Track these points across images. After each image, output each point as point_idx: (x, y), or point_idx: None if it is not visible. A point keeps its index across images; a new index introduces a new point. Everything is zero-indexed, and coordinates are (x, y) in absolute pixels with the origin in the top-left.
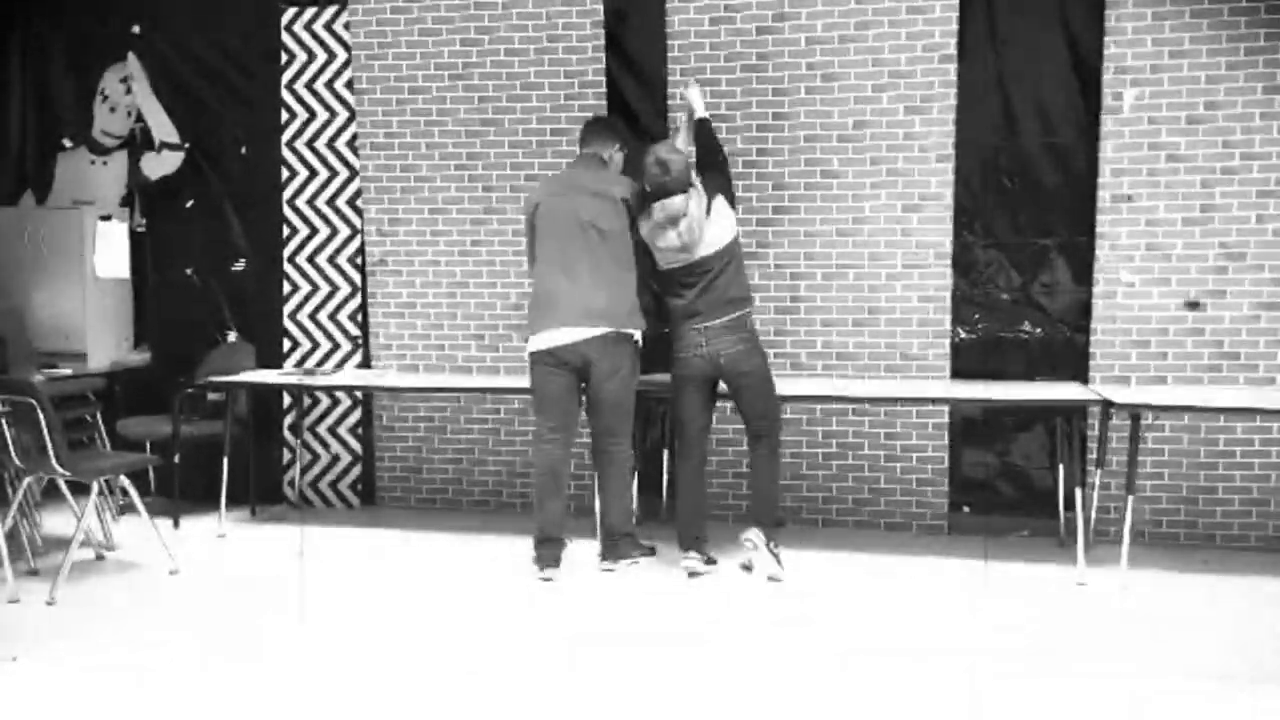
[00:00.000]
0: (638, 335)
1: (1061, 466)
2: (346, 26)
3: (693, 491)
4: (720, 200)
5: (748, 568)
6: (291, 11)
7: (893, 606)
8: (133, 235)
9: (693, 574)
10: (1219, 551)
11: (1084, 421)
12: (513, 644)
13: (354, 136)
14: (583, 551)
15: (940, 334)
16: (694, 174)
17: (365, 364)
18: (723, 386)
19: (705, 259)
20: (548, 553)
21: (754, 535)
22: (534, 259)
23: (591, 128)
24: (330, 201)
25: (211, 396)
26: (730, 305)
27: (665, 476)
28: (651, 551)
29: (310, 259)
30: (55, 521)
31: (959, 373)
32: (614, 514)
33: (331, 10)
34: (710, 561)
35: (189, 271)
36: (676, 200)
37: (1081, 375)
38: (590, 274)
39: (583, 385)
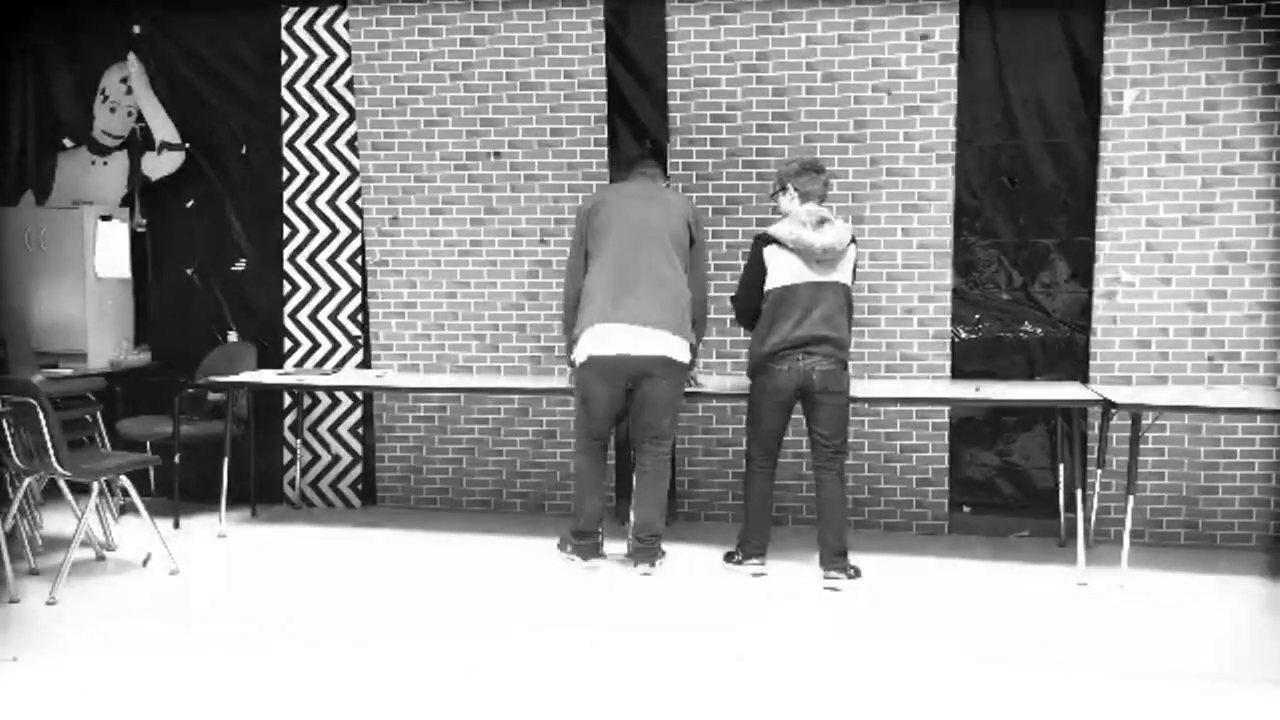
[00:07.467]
0: (689, 352)
1: (1062, 467)
2: (346, 26)
3: (768, 503)
4: (855, 254)
5: (834, 590)
6: (291, 11)
7: (892, 607)
8: (133, 235)
9: (756, 575)
10: (1219, 551)
11: (1084, 421)
12: (514, 644)
13: (354, 136)
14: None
15: (940, 334)
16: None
17: (365, 364)
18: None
19: (838, 284)
20: (591, 545)
21: (835, 582)
22: (589, 259)
23: (647, 159)
24: (330, 201)
25: (211, 396)
26: (842, 349)
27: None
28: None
29: (310, 259)
30: (55, 521)
31: (959, 373)
32: (651, 515)
33: (331, 10)
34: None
35: (189, 271)
36: (822, 209)
37: (1081, 375)
38: (655, 277)
39: (628, 390)
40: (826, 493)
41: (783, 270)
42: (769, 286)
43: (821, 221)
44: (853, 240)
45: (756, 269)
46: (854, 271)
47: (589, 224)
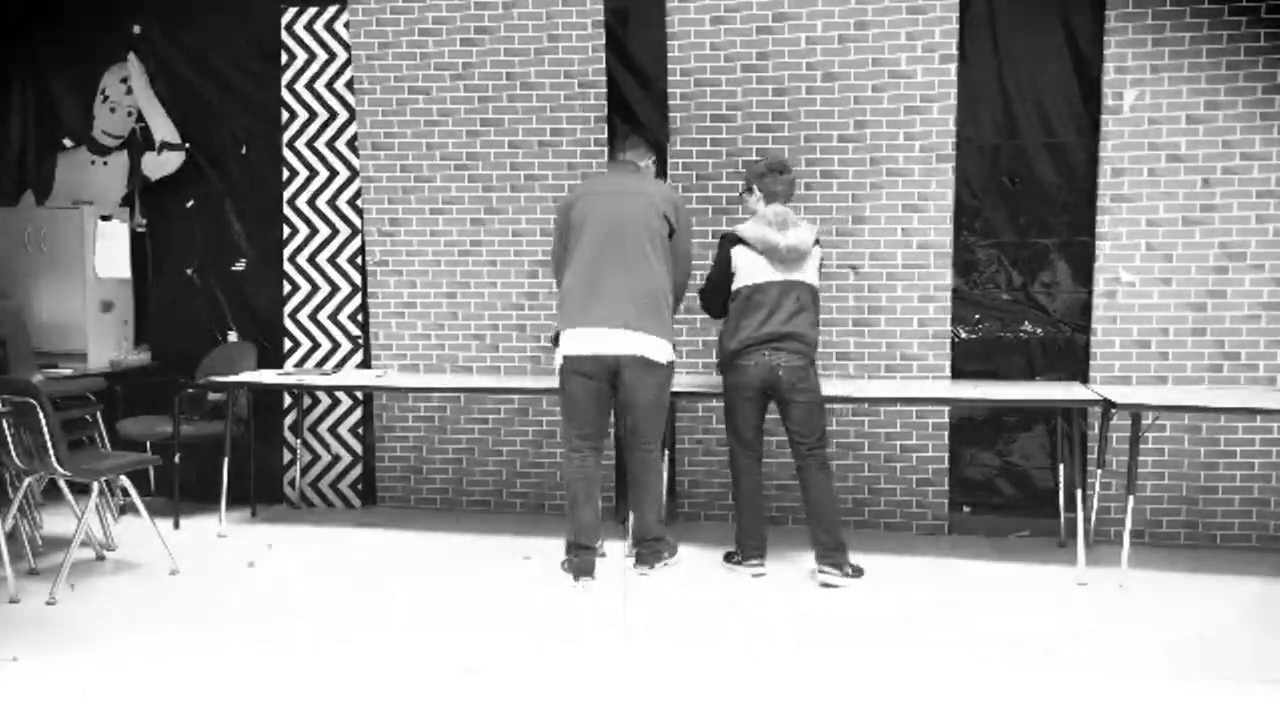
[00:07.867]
0: (670, 351)
1: (1062, 467)
2: (346, 26)
3: (758, 501)
4: (820, 255)
5: (831, 586)
6: (291, 11)
7: (893, 607)
8: (133, 235)
9: (756, 575)
10: (1219, 551)
11: (1084, 421)
12: (515, 644)
13: (354, 136)
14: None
15: (940, 334)
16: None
17: (365, 364)
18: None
19: (804, 284)
20: (582, 561)
21: (831, 578)
22: (566, 258)
23: (629, 137)
24: (330, 201)
25: (211, 396)
26: (808, 345)
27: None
28: (675, 550)
29: (310, 259)
30: (55, 521)
31: (959, 373)
32: (647, 519)
33: (331, 10)
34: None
35: (189, 271)
36: (786, 209)
37: (1081, 375)
38: (629, 275)
39: (614, 389)
40: (813, 490)
41: (750, 269)
42: (738, 285)
43: (785, 222)
44: (817, 241)
45: (724, 267)
46: (820, 271)
47: (566, 221)
